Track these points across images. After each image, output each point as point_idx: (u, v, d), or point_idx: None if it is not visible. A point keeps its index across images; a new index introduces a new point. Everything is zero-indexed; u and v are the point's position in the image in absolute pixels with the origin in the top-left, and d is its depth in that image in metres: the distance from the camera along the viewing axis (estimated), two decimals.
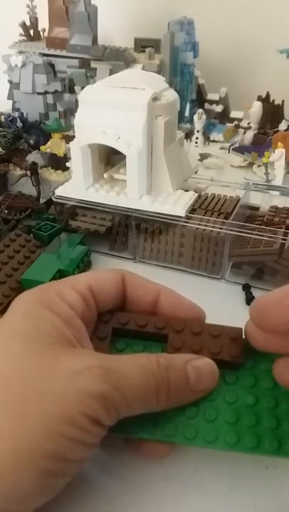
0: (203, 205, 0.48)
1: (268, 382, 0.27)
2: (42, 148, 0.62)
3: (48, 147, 0.62)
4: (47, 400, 0.20)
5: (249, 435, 0.25)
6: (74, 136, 0.46)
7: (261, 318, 0.24)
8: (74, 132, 0.46)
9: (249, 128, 0.73)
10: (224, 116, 0.84)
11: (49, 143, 0.63)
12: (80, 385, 0.21)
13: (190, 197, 0.47)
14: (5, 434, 0.20)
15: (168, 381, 0.24)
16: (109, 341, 0.27)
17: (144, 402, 0.24)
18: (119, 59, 0.72)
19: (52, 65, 0.76)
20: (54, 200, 0.49)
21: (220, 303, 0.43)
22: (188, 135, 0.76)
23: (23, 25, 0.81)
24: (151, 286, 0.29)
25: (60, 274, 0.44)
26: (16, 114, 0.69)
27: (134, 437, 0.25)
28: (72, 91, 0.77)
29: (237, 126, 0.75)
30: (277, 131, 0.70)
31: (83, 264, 0.47)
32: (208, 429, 0.26)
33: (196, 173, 0.54)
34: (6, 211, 0.54)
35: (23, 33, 0.82)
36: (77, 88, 0.75)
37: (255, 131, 0.72)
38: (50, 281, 0.42)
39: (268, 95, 0.75)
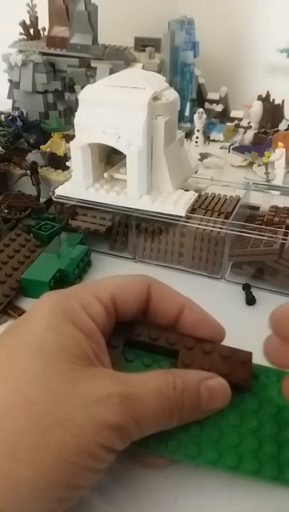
0: (204, 204, 0.48)
1: (273, 408, 0.28)
2: (42, 147, 0.62)
3: (48, 146, 0.62)
4: (67, 431, 0.21)
5: (250, 459, 0.26)
6: (74, 136, 0.46)
7: (278, 327, 0.24)
8: (74, 131, 0.46)
9: (249, 127, 0.73)
10: (224, 116, 0.84)
11: (49, 142, 0.63)
12: (99, 415, 0.21)
13: (190, 197, 0.47)
14: (25, 462, 0.20)
15: (182, 405, 0.24)
16: (121, 350, 0.27)
17: (156, 426, 0.24)
18: (119, 58, 0.72)
19: (52, 64, 0.76)
20: (54, 199, 0.49)
21: (220, 303, 0.43)
22: (189, 134, 0.76)
23: (23, 24, 0.81)
24: (176, 300, 0.28)
25: (60, 274, 0.44)
26: (16, 114, 0.69)
27: (137, 450, 0.25)
28: (72, 90, 0.77)
29: (237, 126, 0.75)
30: (278, 130, 0.70)
31: (83, 264, 0.47)
32: (210, 449, 0.26)
33: (196, 172, 0.54)
34: (6, 210, 0.54)
35: (23, 32, 0.82)
36: (77, 87, 0.75)
37: (256, 131, 0.72)
38: (50, 280, 0.42)
39: (268, 95, 0.75)
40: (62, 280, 0.44)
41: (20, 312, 0.41)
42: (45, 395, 0.21)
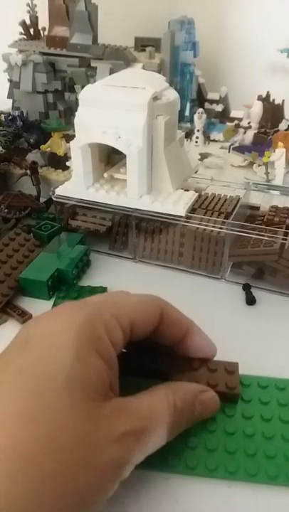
0: (204, 204, 0.48)
1: (267, 413, 0.29)
2: (42, 147, 0.62)
3: (48, 146, 0.62)
4: (90, 474, 0.21)
5: (249, 464, 0.27)
6: (74, 136, 0.46)
7: None
8: (74, 131, 0.46)
9: (249, 127, 0.72)
10: (224, 116, 0.84)
11: (49, 142, 0.63)
12: (117, 455, 0.22)
13: (190, 196, 0.47)
14: (50, 504, 0.20)
15: (179, 424, 0.26)
16: None
17: (156, 448, 0.25)
18: (119, 58, 0.72)
19: (52, 64, 0.76)
20: (54, 199, 0.49)
21: (220, 303, 0.43)
22: (189, 134, 0.76)
23: (23, 24, 0.81)
24: (182, 324, 0.29)
25: (59, 274, 0.44)
26: (16, 113, 0.69)
27: (139, 467, 0.26)
28: (72, 90, 0.77)
29: (237, 126, 0.75)
30: (278, 130, 0.70)
31: (82, 264, 0.46)
32: (209, 459, 0.27)
33: (196, 172, 0.54)
34: (5, 210, 0.54)
35: (23, 31, 0.82)
36: (77, 87, 0.75)
37: (256, 131, 0.72)
38: (47, 280, 0.42)
39: (268, 95, 0.75)
40: (60, 280, 0.44)
41: (20, 312, 0.41)
42: (72, 439, 0.21)
